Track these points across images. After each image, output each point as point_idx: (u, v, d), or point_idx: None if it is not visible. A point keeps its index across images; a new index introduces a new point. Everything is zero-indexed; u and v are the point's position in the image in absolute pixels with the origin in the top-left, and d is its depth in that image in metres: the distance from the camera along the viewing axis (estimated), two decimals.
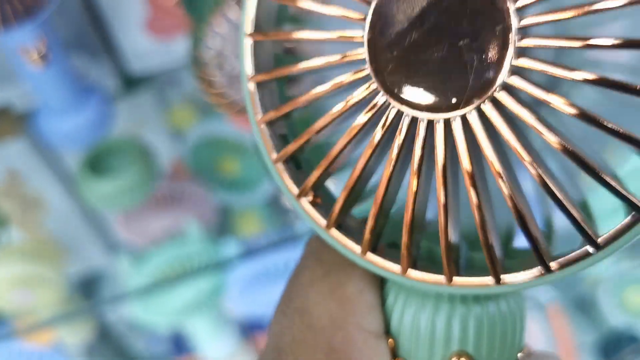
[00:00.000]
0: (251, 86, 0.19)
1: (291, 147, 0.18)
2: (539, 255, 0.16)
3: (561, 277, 0.16)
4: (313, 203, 0.19)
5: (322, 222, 0.19)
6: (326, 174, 0.18)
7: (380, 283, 0.20)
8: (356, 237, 0.19)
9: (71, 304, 0.78)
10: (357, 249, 0.18)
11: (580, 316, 1.06)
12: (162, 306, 0.70)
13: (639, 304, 0.97)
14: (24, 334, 0.59)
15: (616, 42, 0.14)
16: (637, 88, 0.14)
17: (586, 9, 0.14)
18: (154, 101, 0.71)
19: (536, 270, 0.16)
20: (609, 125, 0.14)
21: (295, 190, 0.19)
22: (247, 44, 0.19)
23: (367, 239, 0.18)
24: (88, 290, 0.89)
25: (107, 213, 0.78)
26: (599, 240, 0.16)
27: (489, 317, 0.18)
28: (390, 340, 0.19)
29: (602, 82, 0.14)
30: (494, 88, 0.15)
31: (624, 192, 0.15)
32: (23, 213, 0.73)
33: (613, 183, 0.15)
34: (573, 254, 0.16)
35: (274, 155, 0.19)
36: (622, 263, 0.93)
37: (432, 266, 0.17)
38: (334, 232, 0.19)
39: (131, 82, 0.68)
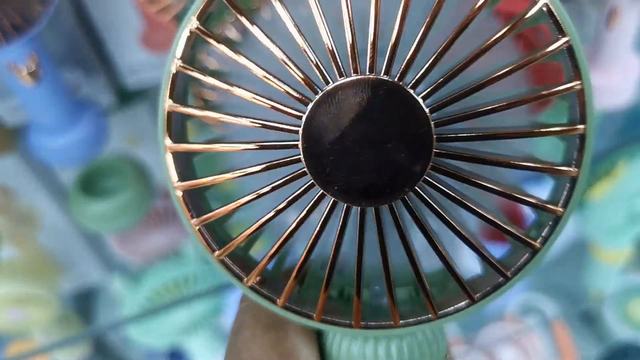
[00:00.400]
0: (179, 193, 0.21)
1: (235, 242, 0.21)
2: (465, 291, 0.20)
3: (482, 305, 0.20)
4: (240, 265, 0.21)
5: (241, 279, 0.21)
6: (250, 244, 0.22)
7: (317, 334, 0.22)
8: (278, 288, 0.21)
9: (65, 323, 0.76)
10: (276, 303, 0.21)
11: (585, 330, 1.05)
12: (158, 327, 0.69)
13: None
14: (18, 354, 0.58)
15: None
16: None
17: (488, 107, 0.18)
18: (148, 116, 0.69)
19: (464, 304, 0.20)
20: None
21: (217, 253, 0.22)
22: (168, 157, 0.21)
23: (286, 294, 0.20)
24: (83, 308, 0.87)
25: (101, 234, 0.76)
26: (509, 273, 0.20)
27: (413, 340, 0.21)
28: None
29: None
30: (419, 181, 0.18)
31: (521, 236, 0.20)
32: (15, 230, 0.72)
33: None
34: (489, 287, 0.20)
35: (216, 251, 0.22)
36: (627, 276, 0.92)
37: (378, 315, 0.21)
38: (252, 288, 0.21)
39: (126, 97, 0.66)
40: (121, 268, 0.80)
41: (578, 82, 0.18)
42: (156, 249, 0.71)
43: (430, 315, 0.20)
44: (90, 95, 0.62)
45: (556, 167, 0.19)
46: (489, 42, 0.17)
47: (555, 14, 0.18)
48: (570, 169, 0.19)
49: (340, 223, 0.19)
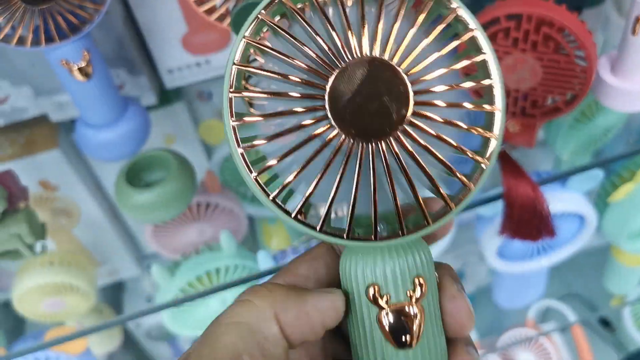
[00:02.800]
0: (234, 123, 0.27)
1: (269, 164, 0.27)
2: (424, 215, 0.27)
3: (437, 227, 0.27)
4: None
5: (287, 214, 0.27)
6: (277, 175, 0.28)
7: None
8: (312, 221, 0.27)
9: (99, 314, 0.79)
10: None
11: (604, 336, 1.05)
12: (191, 319, 0.71)
13: None
14: (54, 343, 0.60)
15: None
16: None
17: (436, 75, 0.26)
18: (186, 114, 0.72)
19: (423, 226, 0.27)
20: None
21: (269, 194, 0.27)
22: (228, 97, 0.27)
23: (322, 221, 0.27)
24: (116, 300, 0.90)
25: (141, 225, 0.79)
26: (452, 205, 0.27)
27: (396, 260, 0.28)
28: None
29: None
30: (406, 120, 0.26)
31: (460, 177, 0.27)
32: (54, 223, 0.75)
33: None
34: (441, 214, 0.27)
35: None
36: None
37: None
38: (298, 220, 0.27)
39: (164, 95, 0.69)
40: (156, 262, 0.83)
41: (483, 54, 0.26)
42: (188, 244, 0.73)
43: (425, 222, 0.27)
44: (133, 93, 0.65)
45: (482, 106, 0.27)
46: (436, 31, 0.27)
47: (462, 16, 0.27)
48: (490, 106, 0.27)
49: (359, 162, 0.26)
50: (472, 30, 0.26)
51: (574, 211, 0.67)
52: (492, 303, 1.10)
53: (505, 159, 0.55)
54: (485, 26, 0.48)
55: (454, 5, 0.27)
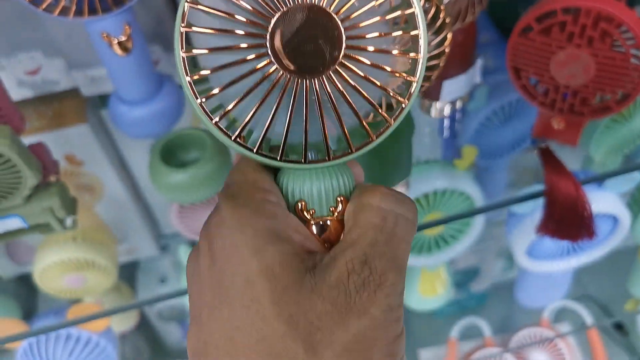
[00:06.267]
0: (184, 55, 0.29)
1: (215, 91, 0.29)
2: (348, 144, 0.30)
3: (358, 154, 0.31)
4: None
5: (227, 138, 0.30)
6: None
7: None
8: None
9: (119, 292, 0.78)
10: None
11: (618, 340, 1.05)
12: None
13: None
14: (80, 321, 0.59)
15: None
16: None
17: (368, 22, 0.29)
18: None
19: (347, 154, 0.31)
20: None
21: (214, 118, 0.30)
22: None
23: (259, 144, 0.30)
24: (131, 280, 0.89)
25: (162, 205, 0.78)
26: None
27: (322, 181, 0.32)
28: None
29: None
30: (339, 60, 0.29)
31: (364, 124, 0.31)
32: (78, 198, 0.74)
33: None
34: (364, 144, 0.31)
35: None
36: None
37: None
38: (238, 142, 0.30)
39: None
40: (177, 242, 0.82)
41: (412, 9, 0.30)
42: None
43: (349, 150, 0.31)
44: (167, 70, 0.64)
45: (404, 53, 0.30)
46: None
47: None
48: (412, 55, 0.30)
49: (293, 95, 0.29)
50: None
51: (607, 212, 0.66)
52: (506, 300, 1.10)
53: (548, 157, 0.55)
54: (540, 19, 0.47)
55: None
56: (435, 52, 0.43)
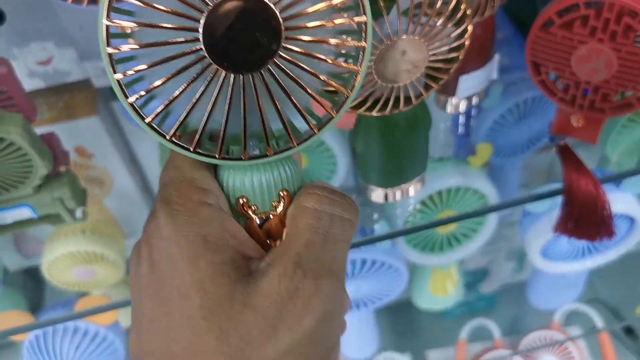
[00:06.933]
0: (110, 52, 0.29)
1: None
2: (290, 138, 0.29)
3: (300, 149, 0.30)
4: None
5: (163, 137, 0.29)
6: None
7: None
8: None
9: (127, 285, 0.77)
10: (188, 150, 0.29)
11: (628, 344, 1.04)
12: None
13: None
14: (88, 313, 0.59)
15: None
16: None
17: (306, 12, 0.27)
18: None
19: (288, 148, 0.30)
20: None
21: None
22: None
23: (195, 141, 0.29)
24: None
25: None
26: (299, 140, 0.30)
27: (263, 174, 0.30)
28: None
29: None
30: (276, 54, 0.27)
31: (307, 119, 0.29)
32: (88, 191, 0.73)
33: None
34: (306, 137, 0.30)
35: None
36: None
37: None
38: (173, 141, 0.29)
39: None
40: None
41: None
42: None
43: (290, 145, 0.30)
44: None
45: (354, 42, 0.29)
46: None
47: None
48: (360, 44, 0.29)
49: (230, 90, 0.27)
50: None
51: (624, 213, 0.65)
52: (516, 302, 1.09)
53: (567, 154, 0.54)
54: (562, 13, 0.46)
55: None
56: (455, 44, 0.42)
